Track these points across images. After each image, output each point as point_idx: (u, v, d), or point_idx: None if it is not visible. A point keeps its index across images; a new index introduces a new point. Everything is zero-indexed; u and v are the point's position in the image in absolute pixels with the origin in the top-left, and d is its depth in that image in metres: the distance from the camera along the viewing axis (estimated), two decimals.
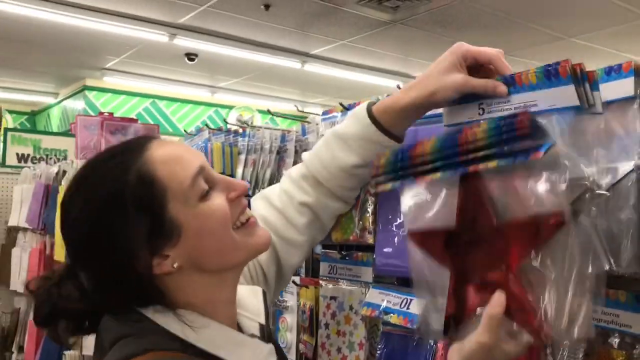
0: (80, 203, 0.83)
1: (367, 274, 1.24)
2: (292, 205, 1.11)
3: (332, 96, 8.44)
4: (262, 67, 7.08)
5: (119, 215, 0.79)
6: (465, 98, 0.96)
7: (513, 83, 0.90)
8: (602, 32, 5.63)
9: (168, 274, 0.83)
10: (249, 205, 0.94)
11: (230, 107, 8.85)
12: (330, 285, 1.32)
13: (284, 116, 1.90)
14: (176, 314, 0.82)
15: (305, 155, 1.15)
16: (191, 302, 0.85)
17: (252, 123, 9.30)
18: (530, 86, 0.87)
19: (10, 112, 9.12)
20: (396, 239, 1.13)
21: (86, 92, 7.86)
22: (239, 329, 0.94)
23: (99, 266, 0.83)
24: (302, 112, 1.74)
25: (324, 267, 1.36)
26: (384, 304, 1.12)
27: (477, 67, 0.96)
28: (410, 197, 0.87)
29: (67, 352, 2.76)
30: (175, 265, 0.82)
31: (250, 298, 0.99)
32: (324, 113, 1.36)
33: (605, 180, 0.84)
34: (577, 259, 0.77)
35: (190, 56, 6.73)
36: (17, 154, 4.49)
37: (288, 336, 1.48)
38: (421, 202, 0.86)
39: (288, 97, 8.71)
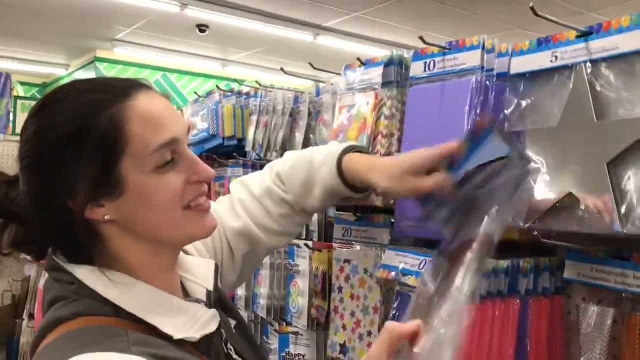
0: (44, 120, 0.79)
1: (383, 235, 1.19)
2: (269, 198, 1.11)
3: None
4: (273, 40, 6.98)
5: (74, 150, 0.76)
6: None
7: (597, 29, 0.90)
8: (622, 5, 5.48)
9: (99, 223, 0.80)
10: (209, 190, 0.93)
11: (242, 81, 8.74)
12: (344, 249, 1.28)
13: (299, 75, 1.82)
14: (105, 272, 0.80)
15: (287, 155, 1.15)
16: (124, 263, 0.82)
17: None
18: (618, 29, 0.86)
19: (22, 83, 9.08)
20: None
21: (97, 64, 7.80)
22: (185, 293, 0.91)
23: (35, 188, 0.80)
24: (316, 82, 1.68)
25: (337, 230, 1.31)
26: (402, 266, 1.08)
27: None
28: None
29: None
30: (106, 217, 0.79)
31: (200, 266, 0.96)
32: (346, 67, 1.31)
33: None
34: None
35: (201, 27, 6.64)
36: None
37: (299, 300, 1.44)
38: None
39: (300, 71, 8.61)
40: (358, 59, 1.24)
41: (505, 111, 1.03)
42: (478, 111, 1.03)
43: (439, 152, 0.95)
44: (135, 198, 0.79)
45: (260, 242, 1.09)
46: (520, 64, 1.02)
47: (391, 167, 0.98)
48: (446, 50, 1.11)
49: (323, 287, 1.36)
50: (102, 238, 0.82)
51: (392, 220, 1.16)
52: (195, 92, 2.06)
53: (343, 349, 1.23)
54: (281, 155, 1.61)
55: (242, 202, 1.10)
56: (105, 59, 7.82)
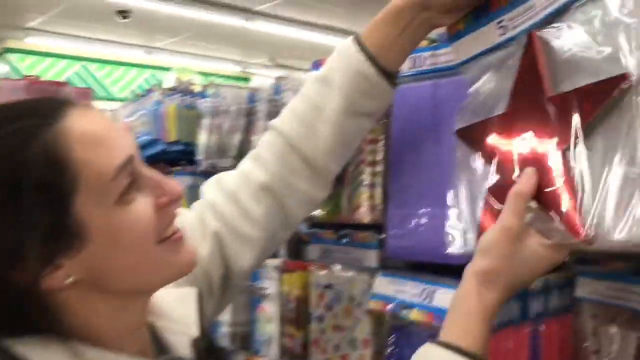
0: None
1: (371, 258, 1.04)
2: (248, 189, 0.88)
3: (276, 56, 8.12)
4: (202, 25, 6.67)
5: (9, 201, 0.57)
6: (476, 21, 0.80)
7: None
8: None
9: (58, 291, 0.61)
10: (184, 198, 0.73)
11: (167, 69, 8.38)
12: (324, 272, 1.12)
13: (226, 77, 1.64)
14: (67, 347, 0.61)
15: (275, 119, 0.93)
16: (86, 331, 0.63)
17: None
18: None
19: None
20: (414, 215, 0.93)
21: (7, 55, 7.21)
22: (161, 349, 0.72)
23: None
24: (245, 72, 1.51)
25: (314, 250, 1.15)
26: (399, 296, 0.93)
27: None
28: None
29: None
30: (69, 281, 0.60)
31: (178, 306, 0.77)
32: (315, 64, 1.14)
33: None
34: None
35: (123, 13, 6.25)
36: None
37: (268, 328, 1.28)
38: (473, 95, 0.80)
39: (229, 57, 8.33)
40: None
41: None
42: None
43: None
44: (103, 242, 0.60)
45: (236, 259, 0.87)
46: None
47: None
48: (437, 44, 0.96)
49: (298, 315, 1.20)
50: (59, 307, 0.62)
51: (382, 238, 1.02)
52: (138, 89, 1.83)
53: None
54: (238, 162, 1.44)
55: (213, 205, 0.88)
56: (17, 50, 7.24)
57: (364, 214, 1.01)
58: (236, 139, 1.43)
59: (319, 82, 0.88)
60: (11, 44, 7.19)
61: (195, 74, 8.04)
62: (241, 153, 1.42)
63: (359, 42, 0.86)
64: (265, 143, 0.90)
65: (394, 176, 0.97)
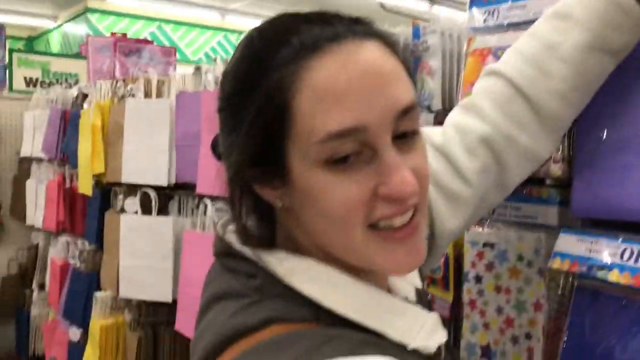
0: (230, 63, 0.61)
1: (549, 215, 0.94)
2: (461, 142, 0.76)
3: None
4: None
5: (238, 112, 0.58)
6: None
7: None
8: None
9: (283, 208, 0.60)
10: None
11: (240, 32, 8.35)
12: (483, 229, 1.03)
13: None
14: (307, 262, 0.59)
15: (495, 63, 0.80)
16: (324, 249, 0.59)
17: None
18: None
19: (7, 37, 8.61)
20: (611, 169, 0.82)
21: (88, 15, 7.35)
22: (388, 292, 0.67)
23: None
24: None
25: None
26: (594, 256, 0.83)
27: None
28: None
29: (98, 294, 2.51)
30: (279, 203, 0.59)
31: None
32: None
33: None
34: None
35: None
36: (25, 78, 4.10)
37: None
38: None
39: None
40: None
41: None
42: None
43: None
44: (301, 194, 0.56)
45: (442, 220, 0.76)
46: None
47: None
48: None
49: (445, 275, 1.12)
50: (283, 223, 0.62)
51: (564, 193, 0.91)
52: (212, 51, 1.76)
53: (487, 352, 1.00)
54: None
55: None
56: (97, 10, 7.37)
57: (554, 167, 0.89)
58: None
59: (553, 17, 0.76)
60: (92, 4, 7.33)
61: None
62: None
63: None
64: (482, 89, 0.79)
65: (585, 117, 0.85)
